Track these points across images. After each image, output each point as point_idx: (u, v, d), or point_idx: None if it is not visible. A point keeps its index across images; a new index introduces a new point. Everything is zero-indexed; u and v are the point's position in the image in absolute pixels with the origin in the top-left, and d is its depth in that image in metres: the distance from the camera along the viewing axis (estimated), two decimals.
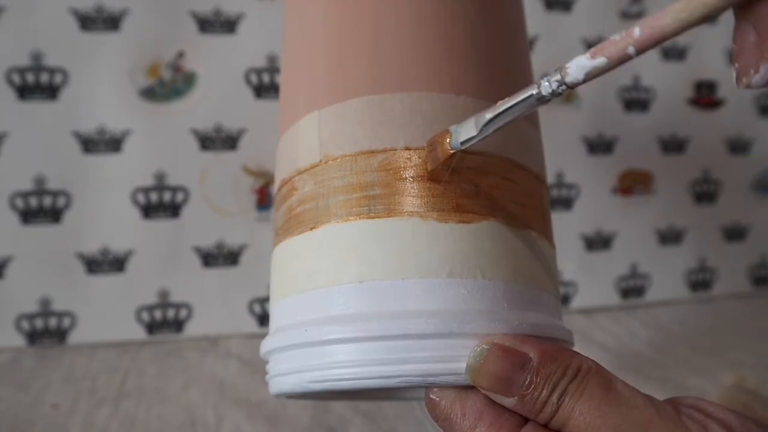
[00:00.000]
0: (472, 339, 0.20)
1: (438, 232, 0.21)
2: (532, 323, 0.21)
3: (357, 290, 0.21)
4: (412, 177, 0.22)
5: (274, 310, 0.25)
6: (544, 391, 0.19)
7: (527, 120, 0.26)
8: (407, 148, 0.22)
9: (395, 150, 0.22)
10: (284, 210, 0.25)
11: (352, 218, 0.22)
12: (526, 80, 0.28)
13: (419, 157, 0.22)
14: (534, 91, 0.19)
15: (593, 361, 0.20)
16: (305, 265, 0.23)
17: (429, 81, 0.24)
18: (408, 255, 0.21)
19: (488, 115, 0.20)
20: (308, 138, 0.24)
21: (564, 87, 0.19)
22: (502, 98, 0.21)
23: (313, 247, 0.23)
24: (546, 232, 0.25)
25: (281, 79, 0.29)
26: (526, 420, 0.20)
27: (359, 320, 0.21)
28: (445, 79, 0.24)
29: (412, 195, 0.22)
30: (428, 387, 0.21)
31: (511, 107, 0.20)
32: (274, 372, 0.24)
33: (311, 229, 0.23)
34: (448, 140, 0.21)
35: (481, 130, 0.21)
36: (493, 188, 0.23)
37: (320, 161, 0.23)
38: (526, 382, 0.19)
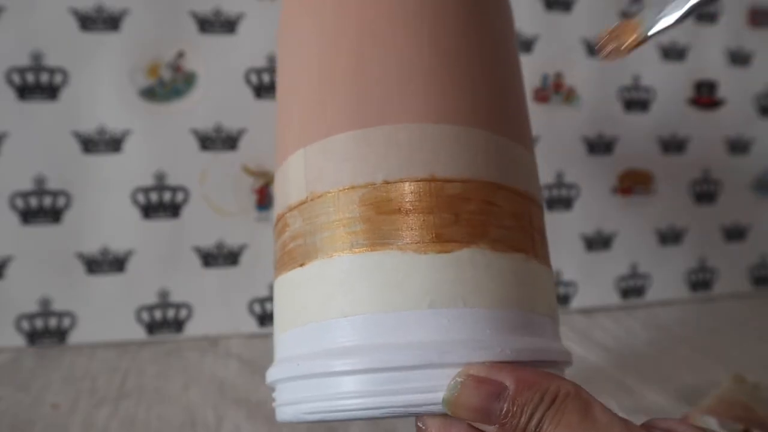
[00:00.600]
0: (454, 368, 0.21)
1: (417, 263, 0.22)
2: (517, 348, 0.21)
3: (343, 325, 0.22)
4: (391, 211, 0.22)
5: (276, 342, 0.26)
6: (522, 419, 0.20)
7: (515, 140, 0.26)
8: (386, 182, 0.23)
9: (375, 184, 0.23)
10: (279, 245, 0.26)
11: (336, 254, 0.23)
12: (515, 99, 0.28)
13: (397, 190, 0.23)
14: None
15: (572, 384, 0.20)
16: (296, 301, 0.24)
17: (407, 112, 0.24)
18: (389, 288, 0.22)
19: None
20: (296, 175, 0.25)
21: None
22: (486, 122, 0.24)
23: (303, 283, 0.23)
24: (537, 252, 0.25)
25: (276, 117, 0.30)
26: None
27: (346, 354, 0.21)
28: (422, 108, 0.24)
29: (391, 228, 0.22)
30: (415, 416, 0.22)
31: None
32: (278, 401, 0.25)
33: (300, 265, 0.24)
34: (638, 30, 0.24)
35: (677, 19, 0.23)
36: (474, 214, 0.23)
37: (307, 198, 0.24)
38: (503, 411, 0.20)
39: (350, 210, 0.23)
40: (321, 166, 0.24)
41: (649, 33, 0.23)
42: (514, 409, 0.20)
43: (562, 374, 0.25)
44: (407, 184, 0.23)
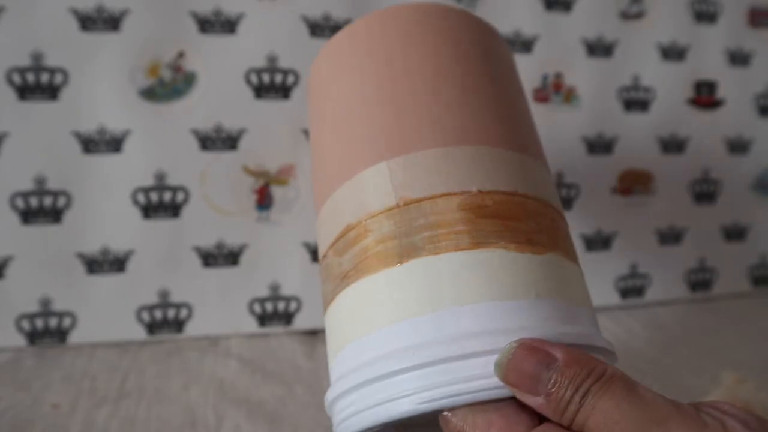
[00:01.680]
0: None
1: (521, 260, 0.24)
2: (595, 335, 0.25)
3: (460, 312, 0.23)
4: (489, 215, 0.25)
5: (372, 338, 0.25)
6: (568, 391, 0.20)
7: (544, 163, 0.31)
8: (480, 191, 0.26)
9: (470, 192, 0.26)
10: (356, 252, 0.27)
11: (441, 252, 0.24)
12: (536, 135, 0.33)
13: (491, 199, 0.26)
14: None
15: (616, 368, 0.21)
16: (393, 298, 0.25)
17: (486, 137, 0.28)
18: (501, 279, 0.24)
19: None
20: (379, 185, 0.27)
21: None
22: (536, 153, 0.30)
23: (402, 280, 0.25)
24: (576, 260, 0.29)
25: (319, 141, 0.32)
26: (533, 426, 0.21)
27: (467, 338, 0.23)
28: (497, 136, 0.28)
29: (492, 230, 0.25)
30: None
31: None
32: (390, 395, 0.24)
33: (398, 263, 0.25)
34: None
35: None
36: (548, 227, 0.27)
37: (397, 204, 0.26)
38: (552, 381, 0.21)
39: (451, 213, 0.25)
40: (410, 176, 0.26)
41: None
42: (562, 380, 0.20)
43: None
44: (498, 195, 0.26)
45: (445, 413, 0.22)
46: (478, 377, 0.22)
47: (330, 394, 0.26)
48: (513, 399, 0.22)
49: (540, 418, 0.22)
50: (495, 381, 0.22)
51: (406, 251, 0.25)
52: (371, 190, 0.27)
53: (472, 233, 0.25)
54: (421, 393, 0.23)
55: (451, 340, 0.23)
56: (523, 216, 0.26)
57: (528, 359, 0.21)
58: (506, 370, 0.21)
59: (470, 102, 0.29)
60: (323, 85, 0.34)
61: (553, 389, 0.20)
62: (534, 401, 0.21)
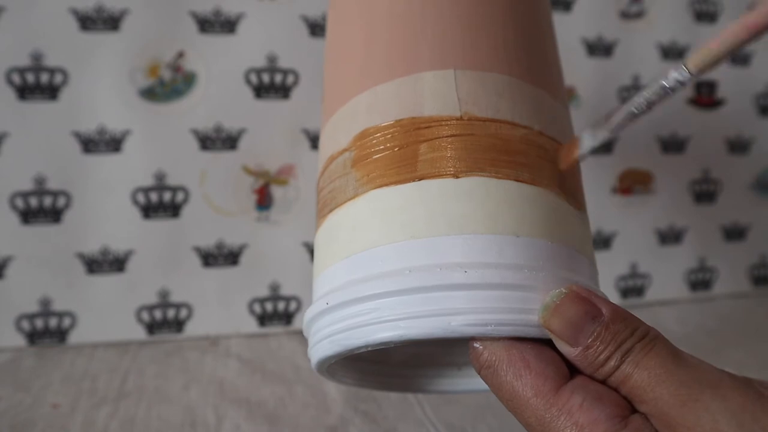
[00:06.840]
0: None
1: (567, 210, 0.25)
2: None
3: (511, 242, 0.22)
4: (546, 159, 0.25)
5: (382, 255, 0.23)
6: (610, 346, 0.20)
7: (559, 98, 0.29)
8: (541, 133, 0.25)
9: (532, 130, 0.25)
10: (403, 149, 0.25)
11: (501, 177, 0.23)
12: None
13: (549, 144, 0.25)
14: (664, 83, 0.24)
15: (659, 331, 0.21)
16: (446, 209, 0.23)
17: (550, 85, 0.28)
18: (550, 221, 0.24)
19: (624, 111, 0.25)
20: (440, 91, 0.25)
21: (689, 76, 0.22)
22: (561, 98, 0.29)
23: (458, 194, 0.23)
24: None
25: (353, 36, 0.29)
26: (571, 375, 0.20)
27: (504, 268, 0.21)
28: (558, 87, 0.28)
29: (549, 174, 0.25)
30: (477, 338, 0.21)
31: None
32: (380, 317, 0.22)
33: (454, 176, 0.23)
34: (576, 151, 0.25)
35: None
36: (580, 188, 0.28)
37: (461, 116, 0.25)
38: (595, 334, 0.20)
39: (514, 143, 0.24)
40: (477, 93, 0.25)
41: (585, 152, 0.25)
42: (605, 334, 0.20)
43: None
44: (553, 143, 0.26)
45: (476, 344, 0.21)
46: (518, 311, 0.21)
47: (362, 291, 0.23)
48: (550, 342, 0.21)
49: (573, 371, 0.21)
50: (535, 319, 0.21)
51: (463, 166, 0.23)
52: (431, 93, 0.25)
53: (532, 170, 0.24)
54: (465, 315, 0.21)
55: (500, 267, 0.21)
56: (577, 172, 0.27)
57: (576, 308, 0.20)
58: (552, 314, 0.20)
59: (542, 41, 0.28)
60: None
61: (595, 342, 0.20)
62: (570, 351, 0.20)
